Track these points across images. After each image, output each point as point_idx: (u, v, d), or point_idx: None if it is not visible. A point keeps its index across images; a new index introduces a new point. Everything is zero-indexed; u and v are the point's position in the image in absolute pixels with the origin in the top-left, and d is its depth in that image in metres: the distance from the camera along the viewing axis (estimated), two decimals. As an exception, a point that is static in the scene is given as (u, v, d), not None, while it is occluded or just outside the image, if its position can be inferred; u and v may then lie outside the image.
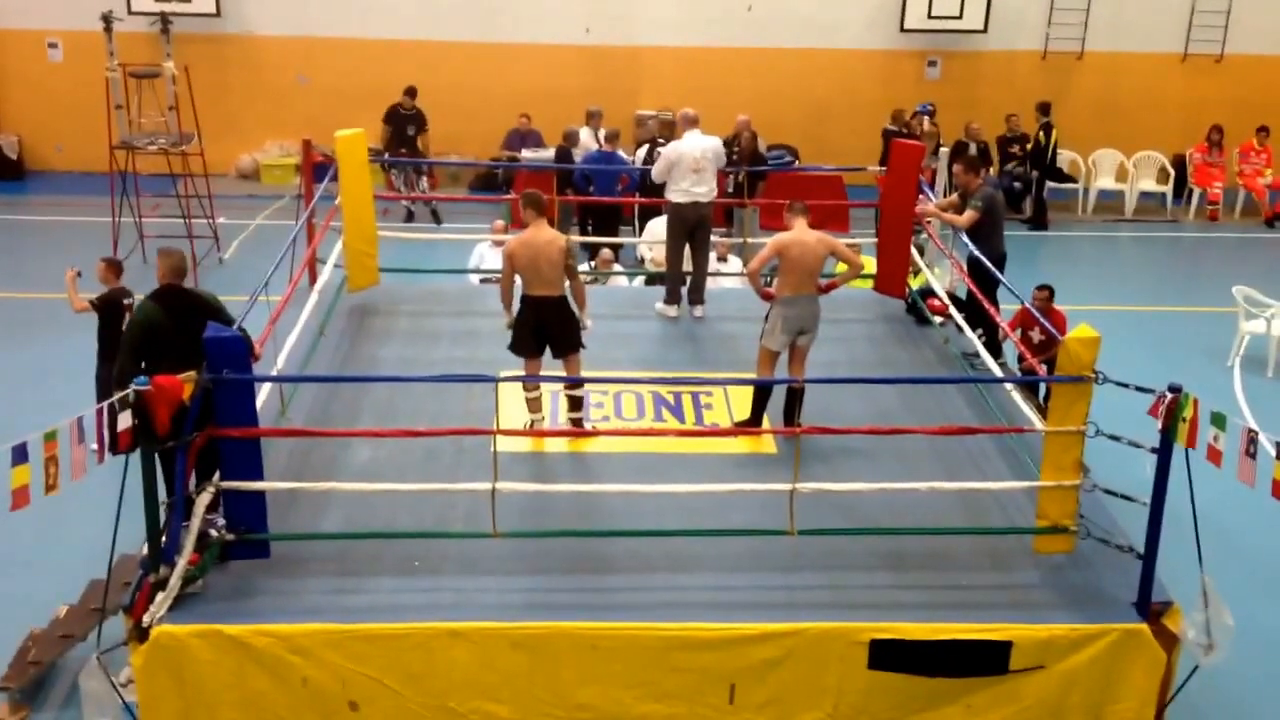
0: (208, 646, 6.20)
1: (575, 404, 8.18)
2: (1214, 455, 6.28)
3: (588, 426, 8.19)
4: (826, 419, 7.69)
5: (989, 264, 9.59)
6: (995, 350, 9.76)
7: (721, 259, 12.49)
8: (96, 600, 7.32)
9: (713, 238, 10.79)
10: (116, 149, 14.45)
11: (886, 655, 6.40)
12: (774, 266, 8.38)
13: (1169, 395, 6.30)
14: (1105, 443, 6.70)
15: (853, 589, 6.81)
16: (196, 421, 6.29)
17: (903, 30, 18.69)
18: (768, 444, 8.19)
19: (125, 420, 5.92)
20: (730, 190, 13.74)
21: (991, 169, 17.12)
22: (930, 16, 18.52)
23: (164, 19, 15.10)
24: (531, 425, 8.11)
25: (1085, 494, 6.96)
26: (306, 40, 18.61)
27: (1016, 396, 8.31)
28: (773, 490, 6.88)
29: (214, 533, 6.54)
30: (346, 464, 7.68)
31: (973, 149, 16.96)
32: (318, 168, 11.00)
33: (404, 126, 16.90)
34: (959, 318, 9.94)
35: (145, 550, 6.31)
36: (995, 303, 9.78)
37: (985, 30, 18.71)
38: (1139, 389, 6.52)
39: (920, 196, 10.63)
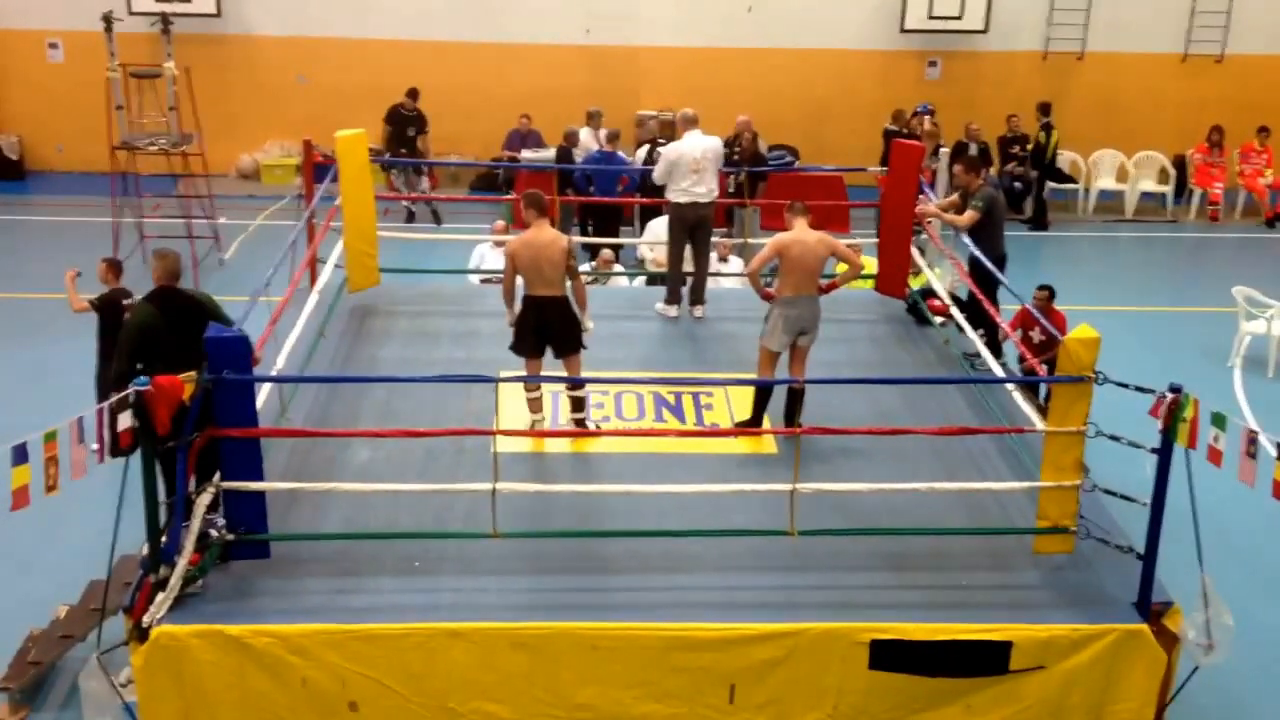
0: (208, 647, 6.20)
1: (578, 405, 8.18)
2: (1214, 455, 6.28)
3: (591, 427, 8.19)
4: (827, 419, 7.68)
5: (989, 264, 9.59)
6: (996, 350, 9.75)
7: (723, 259, 12.50)
8: (96, 600, 7.32)
9: (714, 238, 10.79)
10: (117, 149, 14.46)
11: (887, 655, 6.40)
12: (774, 267, 8.38)
13: (1169, 395, 6.30)
14: (1105, 443, 6.70)
15: (853, 589, 6.81)
16: (197, 422, 6.30)
17: (903, 30, 18.69)
18: (768, 444, 8.19)
19: (125, 420, 5.92)
20: (731, 190, 13.72)
21: (992, 169, 17.11)
22: (930, 17, 18.51)
23: (164, 19, 15.11)
24: (532, 425, 8.11)
25: (1085, 494, 6.96)
26: (306, 40, 18.62)
27: (1017, 397, 8.30)
28: (773, 490, 6.89)
29: (214, 533, 6.54)
30: (346, 464, 7.68)
31: (973, 149, 16.95)
32: (318, 168, 10.99)
33: (405, 127, 16.91)
34: (960, 318, 9.93)
35: (145, 550, 6.31)
36: (996, 303, 9.77)
37: (985, 30, 18.71)
38: (1139, 389, 6.52)
39: (921, 197, 10.63)
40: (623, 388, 8.86)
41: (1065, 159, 18.54)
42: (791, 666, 6.41)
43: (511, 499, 6.78)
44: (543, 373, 8.11)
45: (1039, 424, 7.29)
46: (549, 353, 8.16)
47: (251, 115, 18.74)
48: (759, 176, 15.02)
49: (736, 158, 14.81)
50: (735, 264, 12.50)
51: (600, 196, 14.86)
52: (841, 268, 8.60)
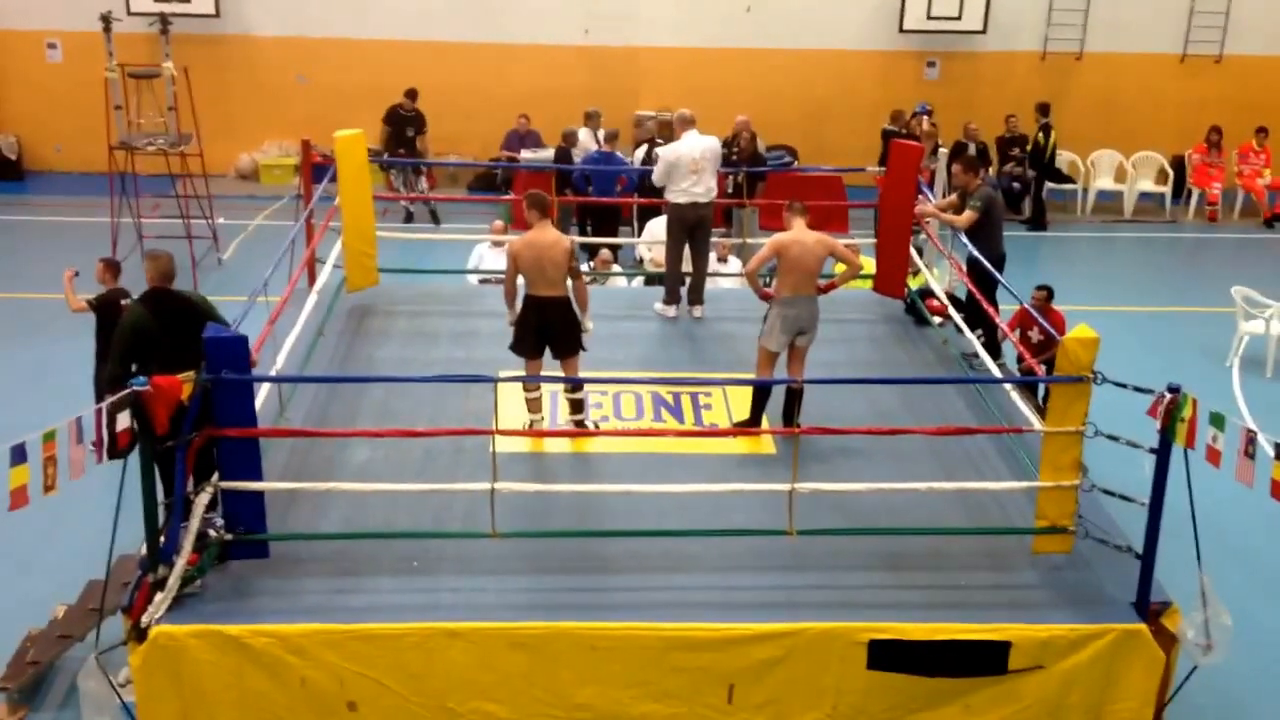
0: (206, 646, 6.20)
1: (577, 406, 8.17)
2: (1213, 455, 6.28)
3: (590, 427, 8.19)
4: (826, 419, 7.68)
5: (988, 264, 9.59)
6: (994, 351, 9.76)
7: (722, 260, 12.50)
8: (95, 600, 7.32)
9: (712, 238, 10.79)
10: (116, 149, 14.44)
11: (885, 655, 6.40)
12: (772, 267, 8.38)
13: (1168, 395, 6.31)
14: (1104, 443, 6.70)
15: (852, 589, 6.82)
16: (195, 422, 6.29)
17: (902, 31, 18.68)
18: (767, 444, 8.19)
19: (124, 421, 5.92)
20: (730, 191, 13.72)
21: (990, 169, 17.12)
22: (929, 17, 18.51)
23: (163, 19, 15.10)
24: (531, 425, 8.11)
25: (1084, 494, 6.97)
26: (305, 40, 18.61)
27: (1015, 397, 8.30)
28: (772, 490, 6.89)
29: (213, 533, 6.53)
30: (345, 464, 7.68)
31: (972, 149, 16.95)
32: (317, 168, 11.00)
33: (403, 128, 16.90)
34: (958, 318, 9.94)
35: (144, 550, 6.31)
36: (994, 303, 9.78)
37: (984, 31, 18.70)
38: (1137, 389, 6.52)
39: (919, 197, 10.63)
40: (621, 388, 8.86)
41: (1064, 159, 18.53)
42: (790, 666, 6.41)
43: (510, 499, 6.78)
44: (541, 373, 8.11)
45: (1037, 424, 7.30)
46: (548, 353, 8.16)
47: (250, 115, 18.72)
48: (758, 177, 15.00)
49: (735, 158, 14.80)
50: (734, 264, 12.50)
51: (599, 197, 14.87)
52: (840, 268, 8.61)
